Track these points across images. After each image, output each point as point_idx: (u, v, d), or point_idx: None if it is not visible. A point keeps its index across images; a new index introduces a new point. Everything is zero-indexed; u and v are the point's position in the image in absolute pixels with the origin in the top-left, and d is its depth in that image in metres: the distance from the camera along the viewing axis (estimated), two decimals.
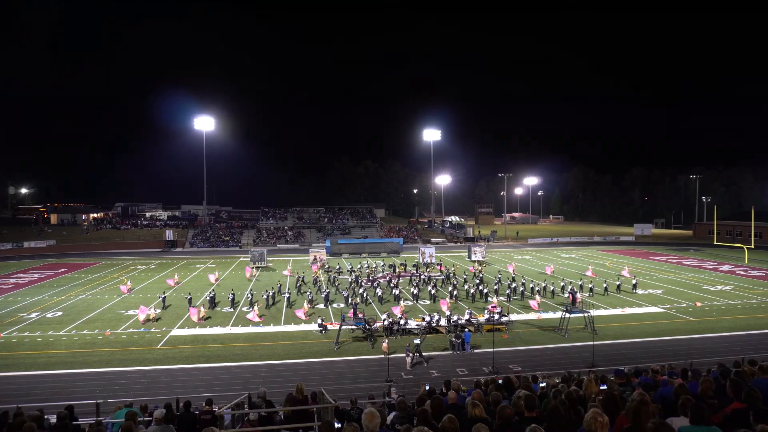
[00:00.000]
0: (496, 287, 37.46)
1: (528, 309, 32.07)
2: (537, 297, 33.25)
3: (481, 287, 35.63)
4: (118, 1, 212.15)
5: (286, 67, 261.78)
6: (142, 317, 28.59)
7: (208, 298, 32.83)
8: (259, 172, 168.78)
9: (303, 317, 29.04)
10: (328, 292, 34.54)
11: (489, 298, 33.64)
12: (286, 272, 47.53)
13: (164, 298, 33.17)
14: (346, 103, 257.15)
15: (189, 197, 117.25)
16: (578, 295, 33.15)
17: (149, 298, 35.73)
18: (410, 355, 21.53)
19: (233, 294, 33.56)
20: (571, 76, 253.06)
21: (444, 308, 30.28)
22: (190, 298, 32.62)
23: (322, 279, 41.83)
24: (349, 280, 41.56)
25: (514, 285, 37.83)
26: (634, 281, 38.68)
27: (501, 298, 34.34)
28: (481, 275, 41.59)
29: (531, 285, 38.49)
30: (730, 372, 8.69)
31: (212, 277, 42.44)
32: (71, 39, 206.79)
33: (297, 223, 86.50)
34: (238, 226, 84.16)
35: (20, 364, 21.84)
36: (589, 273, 45.64)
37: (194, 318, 28.87)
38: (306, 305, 30.91)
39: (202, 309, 30.19)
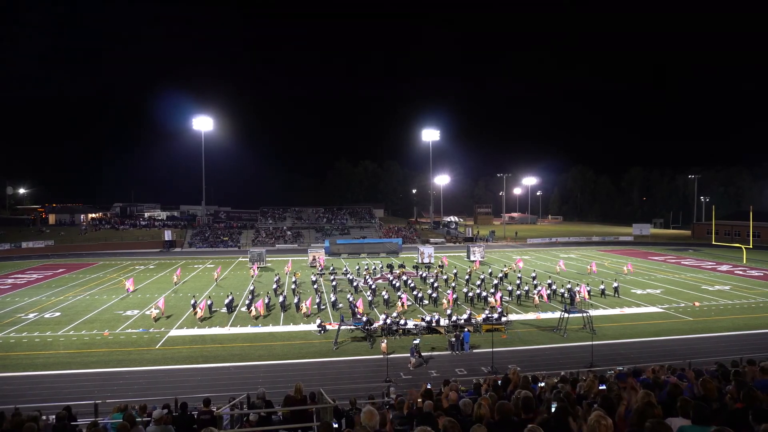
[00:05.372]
0: (495, 283, 37.62)
1: (527, 309, 32.12)
2: (536, 297, 33.32)
3: (479, 291, 35.50)
4: (117, 1, 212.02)
5: (284, 68, 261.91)
6: (155, 312, 29.85)
7: (208, 303, 31.14)
8: (257, 173, 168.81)
9: (308, 310, 30.41)
10: (335, 299, 34.09)
11: (489, 299, 33.55)
12: (286, 268, 48.76)
13: (194, 303, 31.38)
14: (344, 102, 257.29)
15: (187, 197, 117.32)
16: (578, 294, 33.20)
17: (148, 298, 35.71)
18: (415, 355, 21.55)
19: (231, 296, 32.86)
20: (569, 75, 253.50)
21: (448, 302, 31.29)
22: (195, 302, 31.59)
23: (321, 282, 41.77)
24: (348, 278, 41.57)
25: (518, 282, 38.30)
26: (615, 285, 36.93)
27: (506, 298, 34.14)
28: (482, 276, 41.42)
29: (534, 283, 39.22)
30: (729, 372, 8.69)
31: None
32: (70, 39, 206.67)
33: (296, 223, 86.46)
34: (236, 227, 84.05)
35: (18, 364, 21.79)
36: (593, 267, 46.94)
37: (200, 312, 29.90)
38: (307, 304, 30.82)
39: (199, 311, 29.99)
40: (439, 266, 48.97)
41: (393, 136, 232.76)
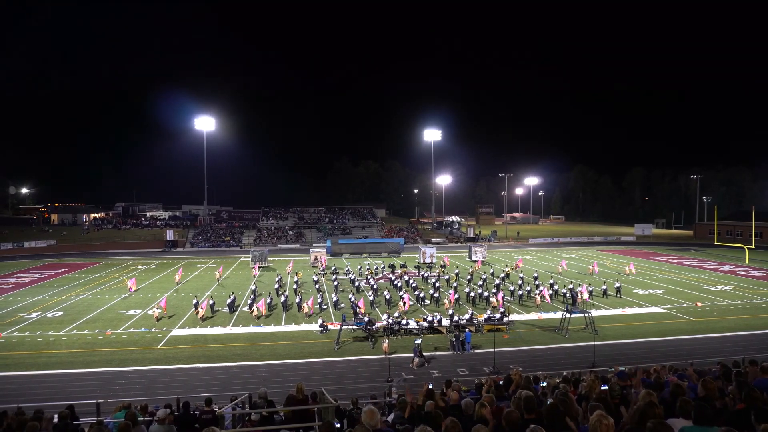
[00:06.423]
0: (497, 283, 37.62)
1: (529, 309, 32.09)
2: (537, 297, 33.27)
3: (481, 291, 35.43)
4: (119, 0, 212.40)
5: (286, 68, 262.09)
6: (157, 312, 29.75)
7: (210, 302, 31.31)
8: (259, 172, 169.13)
9: (309, 310, 30.49)
10: (337, 299, 33.85)
11: (490, 299, 33.51)
12: (288, 267, 48.89)
13: (196, 303, 31.31)
14: (346, 102, 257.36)
15: (190, 197, 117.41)
16: (580, 295, 33.15)
17: (150, 298, 35.78)
18: (417, 355, 21.55)
19: (233, 296, 32.86)
20: (569, 76, 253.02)
21: (450, 302, 31.19)
22: (196, 302, 31.57)
23: (323, 282, 41.76)
24: (350, 278, 41.57)
25: (520, 282, 38.28)
26: (616, 285, 36.91)
27: (506, 297, 34.05)
28: (484, 276, 41.36)
29: (536, 283, 39.28)
30: (731, 372, 8.68)
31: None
32: (72, 38, 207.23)
33: (297, 223, 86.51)
34: (238, 226, 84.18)
35: (21, 364, 21.85)
36: (594, 267, 47.04)
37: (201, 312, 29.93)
38: (309, 304, 30.89)
39: (201, 310, 30.03)
40: (441, 266, 48.92)
41: (395, 136, 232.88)
